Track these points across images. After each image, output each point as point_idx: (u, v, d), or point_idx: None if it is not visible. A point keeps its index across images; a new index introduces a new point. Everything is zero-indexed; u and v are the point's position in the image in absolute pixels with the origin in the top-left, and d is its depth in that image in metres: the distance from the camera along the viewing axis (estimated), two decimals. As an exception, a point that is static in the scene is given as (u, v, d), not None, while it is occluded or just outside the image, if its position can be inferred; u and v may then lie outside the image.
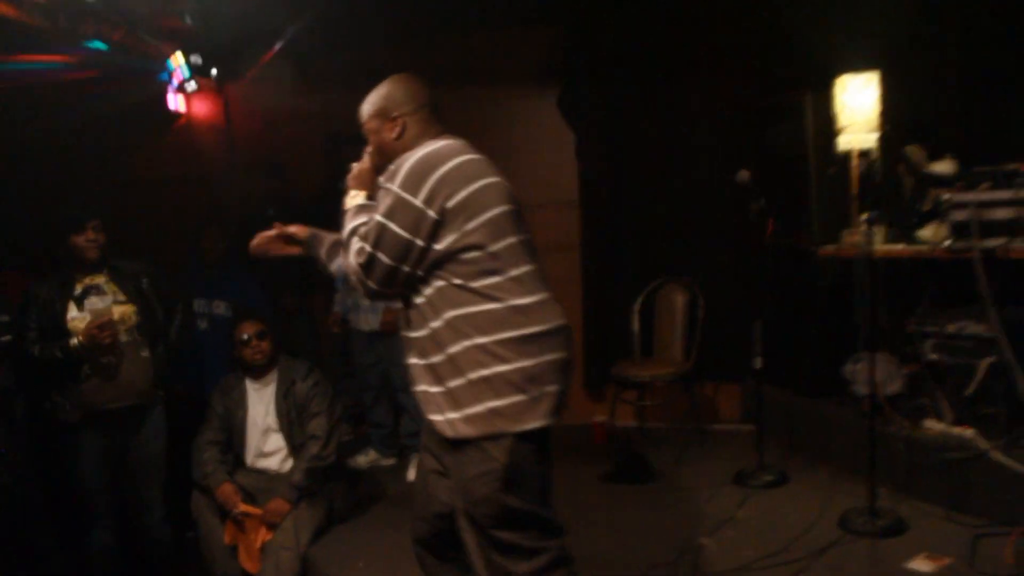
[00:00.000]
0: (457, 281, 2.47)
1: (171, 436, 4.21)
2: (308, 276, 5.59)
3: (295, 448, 4.43)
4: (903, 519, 3.86)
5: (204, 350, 5.10)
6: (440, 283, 2.50)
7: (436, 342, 2.51)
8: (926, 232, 4.28)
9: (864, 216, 4.05)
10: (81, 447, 3.93)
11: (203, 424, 4.46)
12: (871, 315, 4.19)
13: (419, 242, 2.45)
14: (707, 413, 5.88)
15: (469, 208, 2.47)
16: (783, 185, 5.03)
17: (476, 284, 2.47)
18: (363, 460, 5.42)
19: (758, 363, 4.68)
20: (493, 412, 2.45)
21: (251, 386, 4.51)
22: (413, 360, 2.62)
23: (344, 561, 4.06)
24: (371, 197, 2.68)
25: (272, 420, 4.46)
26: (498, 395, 2.45)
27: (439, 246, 2.47)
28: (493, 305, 2.47)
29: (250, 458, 4.48)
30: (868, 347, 4.03)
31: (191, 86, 5.20)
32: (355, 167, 2.76)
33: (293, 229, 2.92)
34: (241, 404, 4.47)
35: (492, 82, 6.20)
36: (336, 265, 2.79)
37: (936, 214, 4.20)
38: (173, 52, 5.00)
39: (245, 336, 4.45)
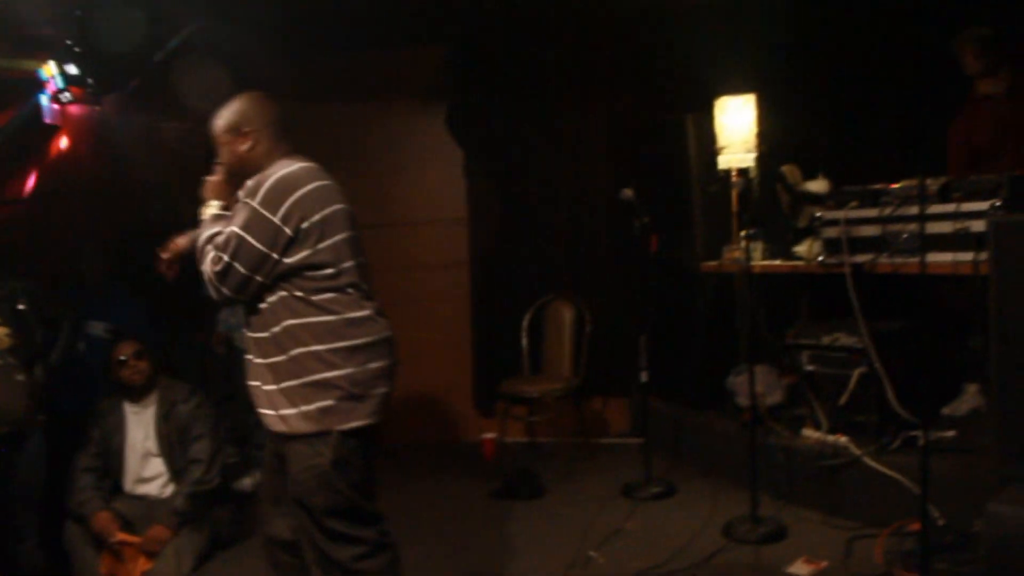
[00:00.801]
0: (299, 293, 2.72)
1: (51, 462, 4.02)
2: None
3: (176, 473, 4.29)
4: (783, 525, 3.98)
5: (82, 372, 4.89)
6: (284, 293, 2.73)
7: (276, 345, 2.74)
8: (802, 248, 4.45)
9: (743, 232, 4.19)
10: None
11: (79, 450, 4.27)
12: (751, 328, 4.33)
13: (273, 255, 2.68)
14: (595, 427, 5.96)
15: (321, 229, 2.71)
16: (666, 202, 5.16)
17: (316, 298, 2.72)
18: (248, 482, 5.28)
19: (644, 377, 4.77)
20: (322, 411, 2.71)
21: (130, 409, 4.34)
22: (252, 358, 2.83)
23: (229, 587, 3.96)
24: (226, 207, 2.87)
25: (152, 444, 4.30)
26: (327, 397, 2.71)
27: (289, 260, 2.69)
28: (329, 317, 2.72)
29: (129, 484, 4.31)
30: (749, 360, 4.16)
31: (66, 97, 4.98)
32: (210, 178, 2.92)
33: (179, 243, 3.04)
34: (119, 428, 4.30)
35: (381, 100, 6.18)
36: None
37: (810, 231, 4.38)
38: (46, 61, 4.79)
39: (122, 356, 4.29)
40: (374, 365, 2.78)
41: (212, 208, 2.87)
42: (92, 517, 4.05)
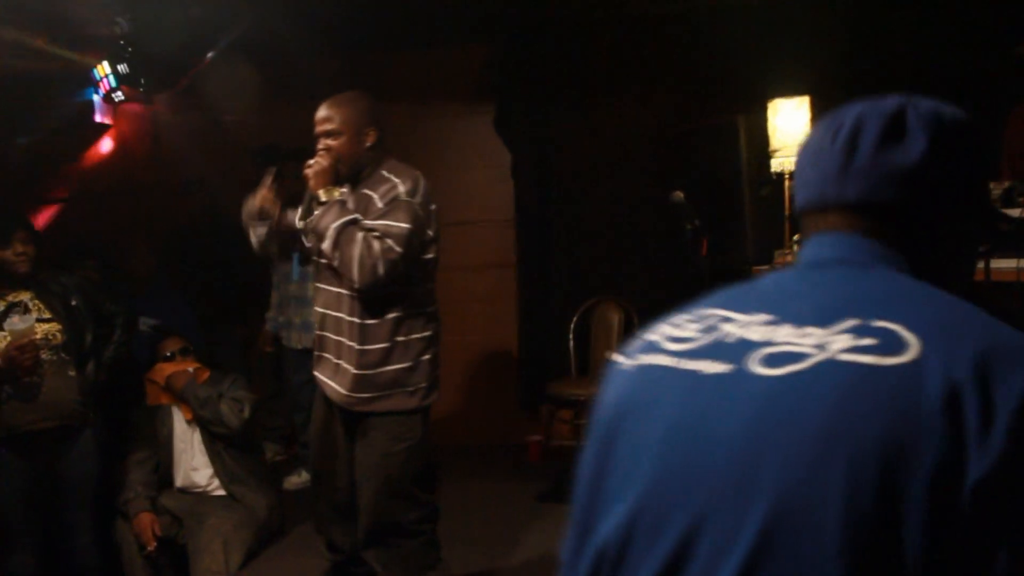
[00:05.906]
0: (409, 287, 2.99)
1: (105, 457, 4.07)
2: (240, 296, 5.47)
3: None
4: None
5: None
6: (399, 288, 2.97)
7: (384, 331, 2.98)
8: (855, 253, 4.36)
9: (796, 237, 4.11)
10: (1, 469, 3.76)
11: (129, 445, 4.32)
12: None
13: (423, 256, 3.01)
14: (642, 431, 5.88)
15: (435, 224, 3.06)
16: (717, 205, 5.08)
17: (417, 291, 3.04)
18: (295, 480, 5.30)
19: (692, 381, 4.69)
20: (426, 391, 3.10)
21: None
22: (349, 342, 3.02)
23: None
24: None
25: (199, 438, 4.34)
26: (417, 380, 3.06)
27: (427, 255, 3.04)
28: (423, 309, 3.06)
29: (179, 479, 4.35)
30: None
31: (118, 96, 5.05)
32: (314, 167, 2.92)
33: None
34: (166, 423, 4.34)
35: (429, 99, 6.18)
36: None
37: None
38: (100, 61, 4.86)
39: (168, 353, 4.34)
40: (432, 352, 3.14)
41: (330, 194, 2.92)
42: (135, 517, 4.09)
